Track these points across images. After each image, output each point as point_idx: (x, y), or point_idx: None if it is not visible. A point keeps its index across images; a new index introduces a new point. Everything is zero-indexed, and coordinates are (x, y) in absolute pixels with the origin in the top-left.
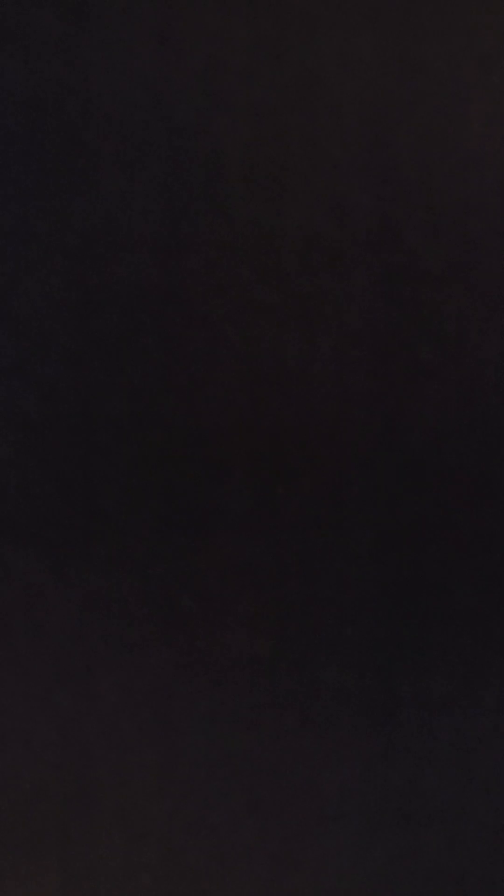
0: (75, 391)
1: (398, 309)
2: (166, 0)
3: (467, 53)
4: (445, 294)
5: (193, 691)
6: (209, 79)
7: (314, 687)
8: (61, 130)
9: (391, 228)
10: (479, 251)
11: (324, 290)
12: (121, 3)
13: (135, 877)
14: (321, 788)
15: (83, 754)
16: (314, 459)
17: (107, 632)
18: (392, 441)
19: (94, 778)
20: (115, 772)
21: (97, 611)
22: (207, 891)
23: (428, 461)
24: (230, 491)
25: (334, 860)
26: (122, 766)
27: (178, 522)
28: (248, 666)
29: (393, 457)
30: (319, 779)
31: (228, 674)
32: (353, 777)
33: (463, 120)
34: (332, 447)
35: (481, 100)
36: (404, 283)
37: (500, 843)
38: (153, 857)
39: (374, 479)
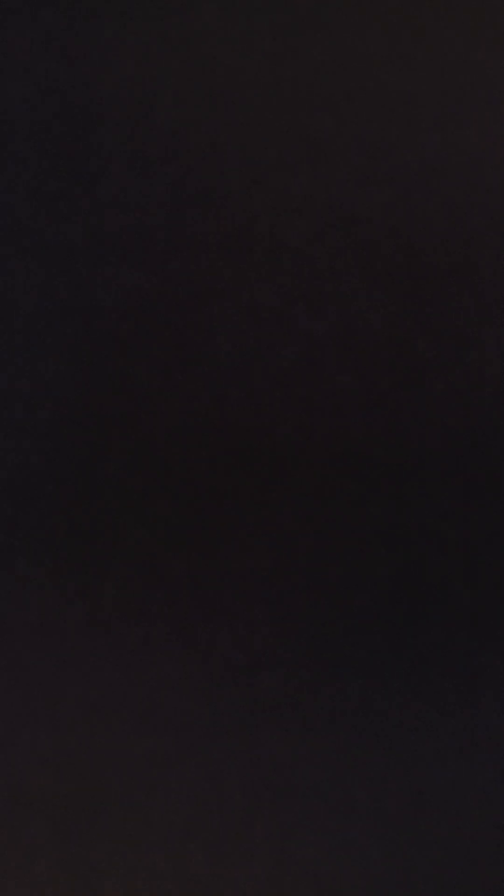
0: (75, 391)
1: (399, 309)
2: (167, 0)
3: (468, 53)
4: (446, 294)
5: (194, 695)
6: (210, 78)
7: (314, 689)
8: (61, 130)
9: (391, 228)
10: (480, 251)
11: (324, 290)
12: (121, 3)
13: (135, 877)
14: (321, 789)
15: (84, 757)
16: (314, 460)
17: (108, 635)
18: (392, 441)
19: (95, 781)
20: (115, 774)
21: (97, 613)
22: (208, 892)
23: (428, 462)
24: (231, 492)
25: (334, 861)
26: (123, 769)
27: (178, 524)
28: (249, 668)
29: (393, 458)
30: (320, 779)
31: (229, 677)
32: (353, 778)
33: (464, 119)
34: (332, 448)
35: (483, 99)
36: (405, 282)
37: (501, 843)
38: (153, 859)
39: (374, 480)
